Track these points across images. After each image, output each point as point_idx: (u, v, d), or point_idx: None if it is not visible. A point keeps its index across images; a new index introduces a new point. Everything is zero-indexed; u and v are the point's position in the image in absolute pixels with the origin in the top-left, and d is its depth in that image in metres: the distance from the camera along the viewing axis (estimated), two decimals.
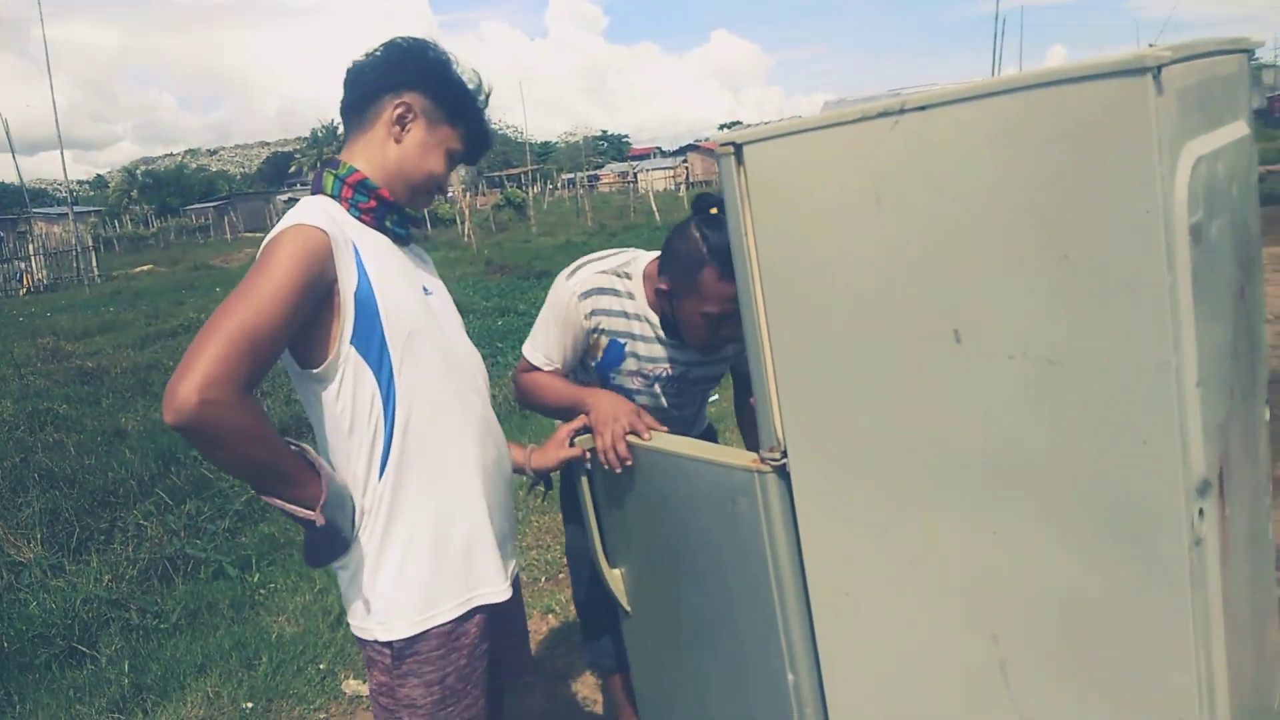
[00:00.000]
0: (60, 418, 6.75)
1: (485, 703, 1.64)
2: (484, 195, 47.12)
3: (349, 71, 1.63)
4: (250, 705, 3.02)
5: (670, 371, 2.10)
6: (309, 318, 1.46)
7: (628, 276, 2.06)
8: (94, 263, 24.15)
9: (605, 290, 2.04)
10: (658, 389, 2.11)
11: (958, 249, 1.18)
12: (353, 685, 3.10)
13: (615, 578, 1.93)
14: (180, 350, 10.86)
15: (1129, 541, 1.13)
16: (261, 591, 3.95)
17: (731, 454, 1.59)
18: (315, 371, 1.50)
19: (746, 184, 1.37)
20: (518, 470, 1.87)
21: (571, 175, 59.54)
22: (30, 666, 3.52)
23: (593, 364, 2.10)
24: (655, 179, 46.83)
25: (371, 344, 1.50)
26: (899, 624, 1.39)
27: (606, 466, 1.81)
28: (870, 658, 1.45)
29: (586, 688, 2.99)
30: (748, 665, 1.65)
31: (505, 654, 1.75)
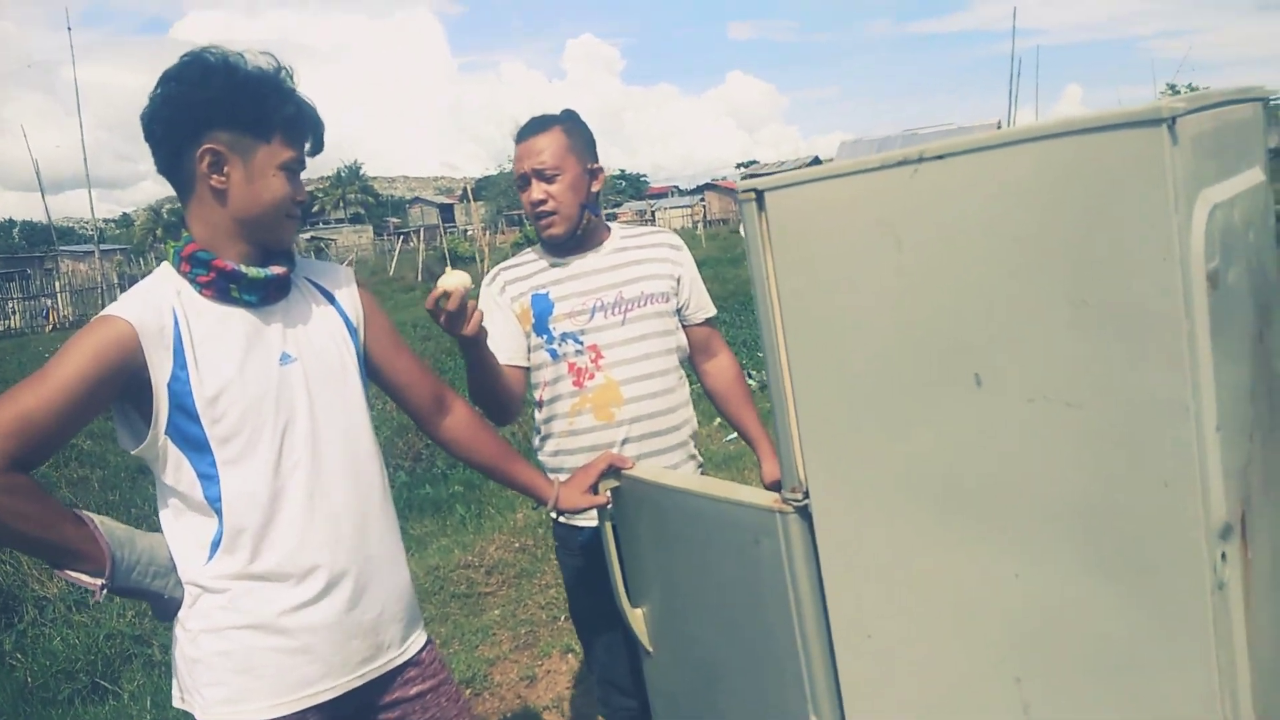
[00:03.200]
0: (84, 454, 6.81)
1: None
2: (503, 233, 47.56)
3: (143, 130, 1.52)
4: None
5: (603, 298, 2.15)
6: (129, 402, 1.48)
7: (525, 251, 2.30)
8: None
9: (508, 266, 2.26)
10: (604, 320, 2.14)
11: (978, 294, 1.20)
12: None
13: (637, 617, 1.93)
14: None
15: (1151, 585, 1.14)
16: None
17: (753, 494, 1.61)
18: (136, 452, 1.51)
19: (768, 229, 1.39)
20: (539, 503, 1.89)
21: None
22: (54, 702, 3.55)
23: (535, 334, 2.16)
24: (673, 217, 47.22)
25: (189, 436, 1.48)
26: (922, 665, 1.39)
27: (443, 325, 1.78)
28: (893, 699, 1.45)
29: None
30: (770, 705, 1.65)
31: None
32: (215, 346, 1.50)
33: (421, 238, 34.00)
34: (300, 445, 1.55)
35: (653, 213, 44.23)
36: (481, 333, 1.84)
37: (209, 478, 1.50)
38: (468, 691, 3.30)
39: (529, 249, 2.31)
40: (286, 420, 1.54)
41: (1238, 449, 1.19)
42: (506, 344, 2.14)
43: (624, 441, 2.14)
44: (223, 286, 1.52)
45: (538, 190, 2.12)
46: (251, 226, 1.54)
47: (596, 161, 2.20)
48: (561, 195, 2.12)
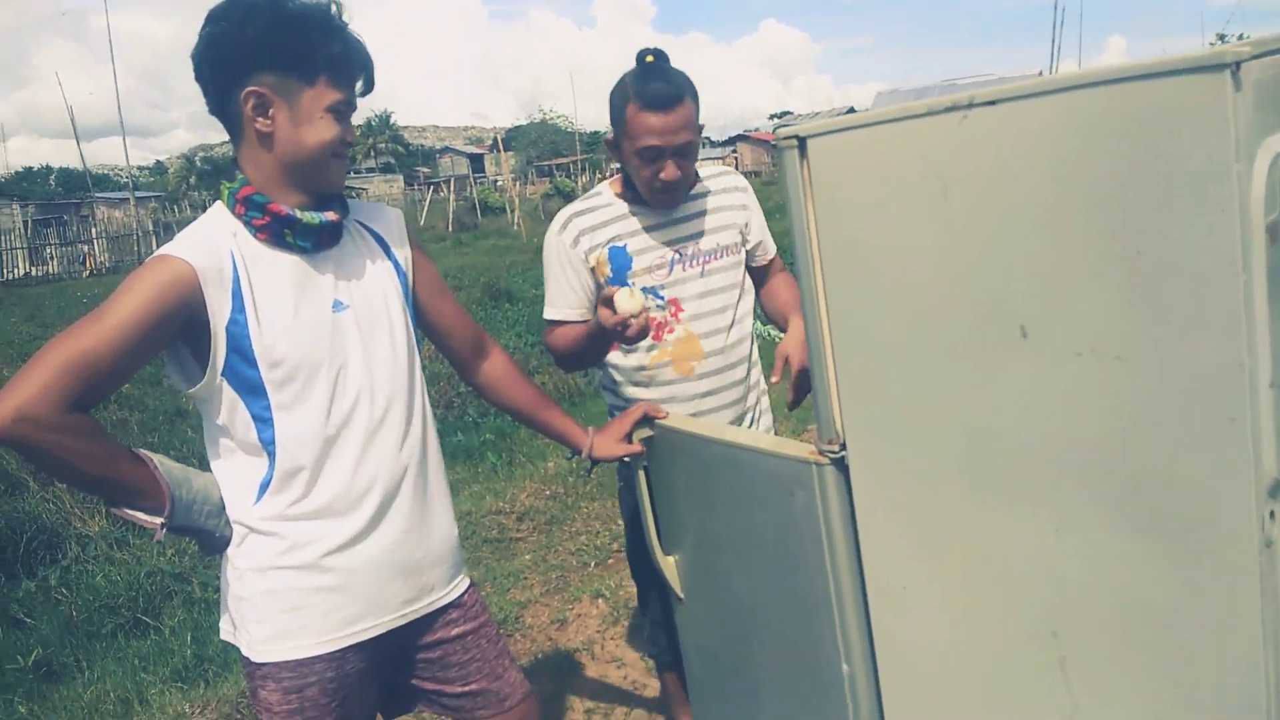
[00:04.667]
0: (123, 396, 6.93)
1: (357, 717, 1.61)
2: (534, 184, 47.36)
3: (193, 70, 1.50)
4: None
5: (681, 250, 2.10)
6: (184, 342, 1.48)
7: (596, 194, 2.16)
8: (154, 246, 24.64)
9: (580, 212, 2.13)
10: (683, 273, 2.11)
11: (1027, 244, 1.17)
12: None
13: (669, 565, 1.95)
14: None
15: (1196, 542, 1.12)
16: None
17: (789, 445, 1.60)
18: (190, 392, 1.51)
19: (810, 177, 1.37)
20: (574, 451, 1.90)
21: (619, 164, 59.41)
22: (98, 635, 3.66)
23: (611, 287, 2.10)
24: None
25: (245, 379, 1.49)
26: (956, 618, 1.39)
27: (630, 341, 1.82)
28: (926, 651, 1.45)
29: (637, 672, 3.02)
30: (802, 655, 1.66)
31: (401, 679, 1.71)
32: (272, 292, 1.50)
33: (451, 187, 33.92)
34: (353, 391, 1.56)
35: None
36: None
37: (264, 420, 1.51)
38: None
39: (602, 188, 2.19)
40: (340, 366, 1.55)
41: None
42: (579, 299, 2.11)
43: (705, 394, 2.12)
44: (277, 231, 1.51)
45: (673, 169, 1.99)
46: (299, 172, 1.52)
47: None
48: (690, 170, 2.05)
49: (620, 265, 2.09)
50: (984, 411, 1.27)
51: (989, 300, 1.23)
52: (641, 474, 1.93)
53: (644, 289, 2.08)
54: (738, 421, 2.19)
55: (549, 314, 2.16)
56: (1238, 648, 1.12)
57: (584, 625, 3.39)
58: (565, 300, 2.11)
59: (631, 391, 2.17)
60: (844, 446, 1.46)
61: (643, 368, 2.13)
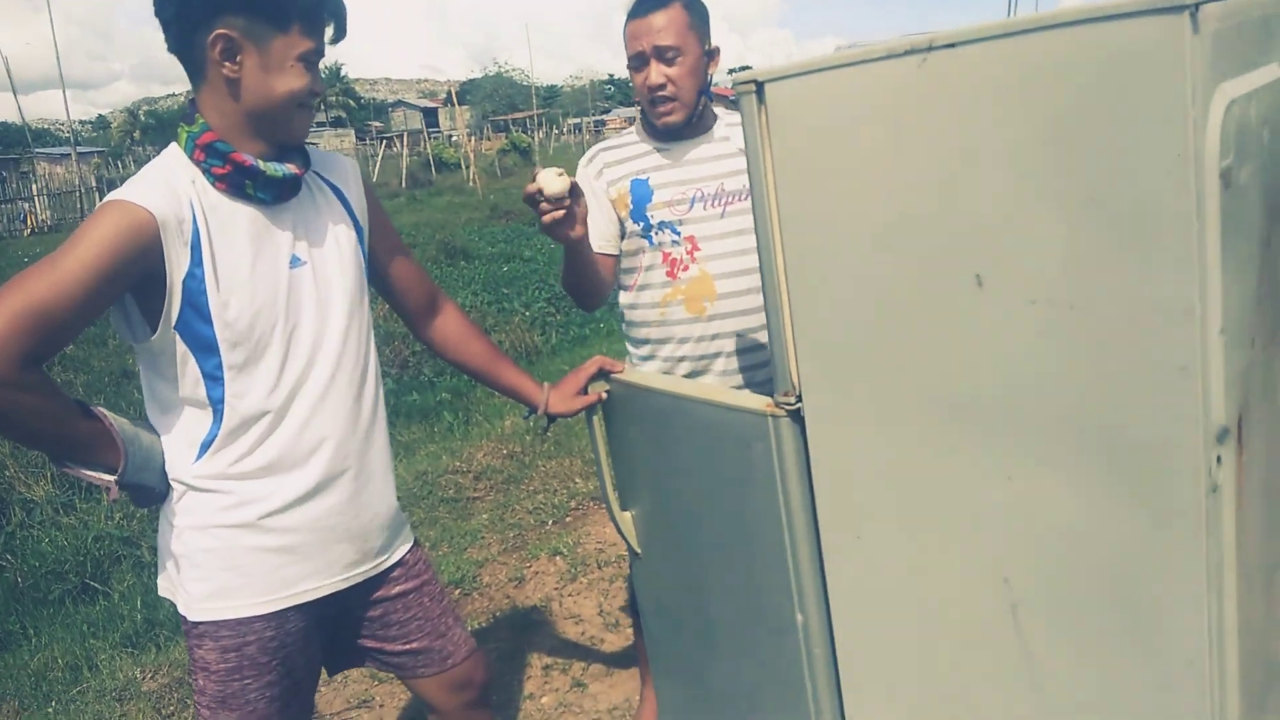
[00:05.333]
0: (66, 358, 6.76)
1: (293, 679, 1.58)
2: (489, 140, 46.71)
3: (153, 5, 1.43)
4: None
5: (703, 189, 2.06)
6: (131, 294, 1.41)
7: (626, 131, 2.17)
8: (98, 202, 23.97)
9: (607, 147, 2.15)
10: (703, 212, 2.07)
11: (983, 191, 1.16)
12: None
13: (626, 520, 1.94)
14: None
15: (1145, 487, 1.14)
16: None
17: (744, 398, 1.59)
18: (138, 346, 1.46)
19: (767, 122, 1.34)
20: (530, 408, 1.87)
21: (578, 120, 58.92)
22: (45, 601, 3.60)
23: (631, 221, 2.08)
24: None
25: (198, 335, 1.43)
26: (910, 566, 1.40)
27: (547, 219, 1.75)
28: (880, 599, 1.46)
29: (594, 627, 3.04)
30: (756, 606, 1.66)
31: (343, 637, 1.69)
32: (229, 246, 1.44)
33: (405, 142, 33.36)
34: (306, 350, 1.52)
35: None
36: (585, 233, 1.81)
37: (214, 378, 1.46)
38: (456, 592, 3.35)
39: (629, 129, 2.17)
40: (294, 324, 1.51)
41: (1239, 354, 1.17)
42: (599, 231, 2.06)
43: (714, 336, 2.09)
44: (238, 182, 1.45)
45: (656, 73, 1.96)
46: (264, 120, 1.46)
47: (712, 41, 2.07)
48: (682, 79, 1.98)
49: (640, 197, 2.06)
50: (939, 360, 1.27)
51: (945, 249, 1.22)
52: (598, 427, 1.91)
53: (661, 223, 2.06)
54: (749, 369, 2.17)
55: None
56: (1183, 590, 1.14)
57: (542, 583, 3.40)
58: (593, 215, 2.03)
59: (643, 332, 2.14)
60: (799, 399, 1.45)
61: (655, 305, 2.10)
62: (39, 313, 1.29)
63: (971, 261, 1.20)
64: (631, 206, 2.06)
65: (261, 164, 1.45)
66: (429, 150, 32.83)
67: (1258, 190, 1.24)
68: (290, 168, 1.50)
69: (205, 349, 1.44)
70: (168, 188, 1.41)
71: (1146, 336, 1.09)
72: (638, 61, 1.98)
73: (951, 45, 1.14)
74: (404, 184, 24.91)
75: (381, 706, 2.75)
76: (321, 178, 1.62)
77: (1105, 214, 1.08)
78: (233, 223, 1.46)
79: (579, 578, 3.37)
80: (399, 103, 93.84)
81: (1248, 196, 1.19)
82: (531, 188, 1.71)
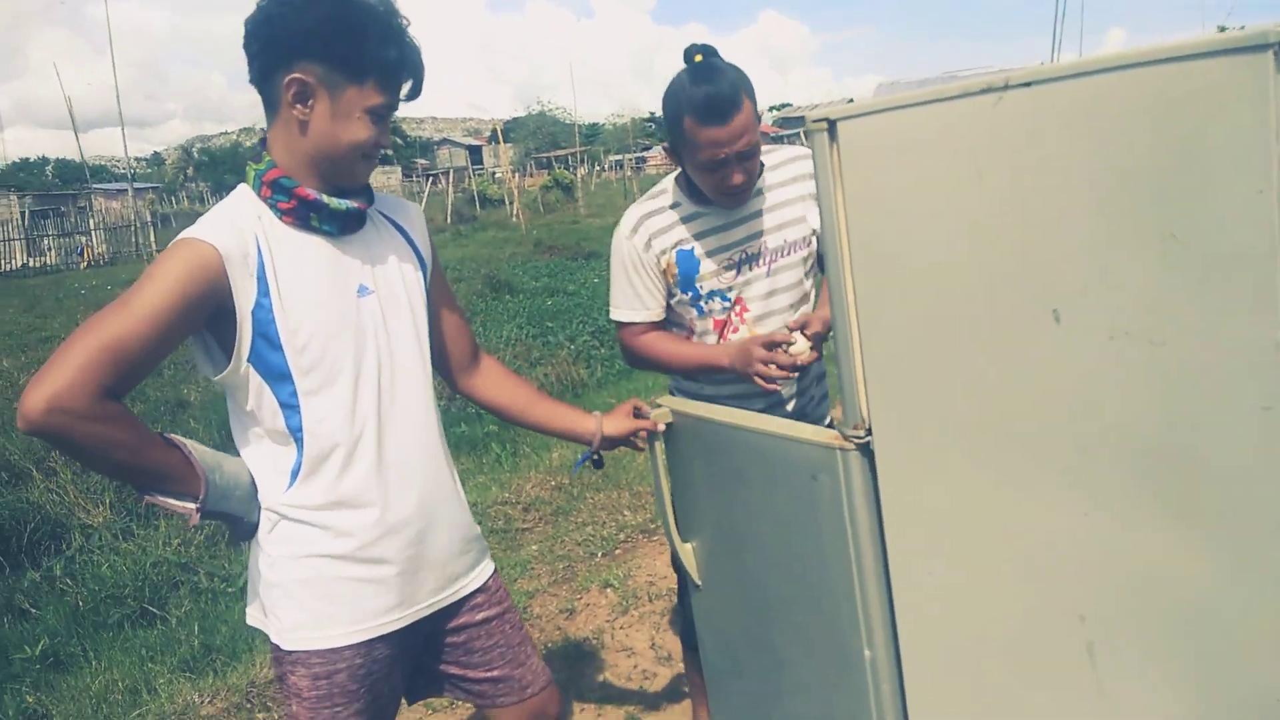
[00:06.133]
0: None
1: (379, 706, 1.61)
2: (532, 176, 47.28)
3: (243, 38, 1.48)
4: None
5: (747, 250, 2.05)
6: (208, 329, 1.47)
7: (663, 192, 2.11)
8: (152, 238, 24.62)
9: (650, 214, 2.07)
10: (750, 273, 2.06)
11: (1060, 227, 1.17)
12: None
13: (687, 551, 1.95)
14: None
15: (1229, 526, 1.13)
16: None
17: (812, 430, 1.60)
18: (217, 379, 1.50)
19: (839, 161, 1.36)
20: (585, 441, 1.88)
21: (619, 157, 59.43)
22: (104, 625, 3.66)
23: (679, 290, 2.07)
24: None
25: (271, 364, 1.48)
26: (982, 602, 1.39)
27: (768, 389, 1.81)
28: (950, 635, 1.45)
29: (647, 660, 3.02)
30: (822, 641, 1.66)
31: (426, 663, 1.72)
32: (297, 275, 1.49)
33: (450, 179, 33.87)
34: (375, 378, 1.56)
35: None
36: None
37: (290, 407, 1.50)
38: None
39: (667, 184, 2.12)
40: (363, 352, 1.54)
41: None
42: (653, 299, 2.07)
43: (762, 394, 2.08)
44: (303, 215, 1.51)
45: (739, 174, 1.91)
46: (326, 164, 1.51)
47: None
48: (756, 166, 1.97)
49: (688, 270, 2.05)
50: (1014, 395, 1.27)
51: (1022, 285, 1.22)
52: (661, 459, 1.92)
53: (710, 292, 2.06)
54: (795, 412, 2.17)
55: (619, 316, 2.11)
56: (1270, 636, 1.12)
57: (593, 615, 3.39)
58: (640, 302, 2.06)
59: (696, 386, 2.17)
60: (869, 432, 1.45)
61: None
62: (114, 348, 1.34)
63: (1049, 297, 1.20)
64: (679, 277, 2.06)
65: (325, 198, 1.50)
66: (473, 187, 33.30)
67: None
68: (354, 203, 1.55)
69: (279, 377, 1.48)
70: (231, 224, 1.46)
71: (1229, 374, 1.09)
72: (716, 165, 1.89)
73: (1028, 84, 1.16)
74: (449, 220, 25.29)
75: None
76: (386, 217, 1.68)
77: (1185, 249, 1.09)
78: (299, 253, 1.50)
79: (630, 610, 3.37)
80: (444, 140, 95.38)
81: None
82: (787, 360, 1.79)
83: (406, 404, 1.60)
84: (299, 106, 1.46)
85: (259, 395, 1.50)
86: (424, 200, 31.78)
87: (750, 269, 2.06)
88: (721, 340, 2.09)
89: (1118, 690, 1.28)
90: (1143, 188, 1.10)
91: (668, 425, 1.89)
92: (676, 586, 2.52)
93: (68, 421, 1.31)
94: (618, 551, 3.90)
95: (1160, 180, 1.09)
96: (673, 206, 2.08)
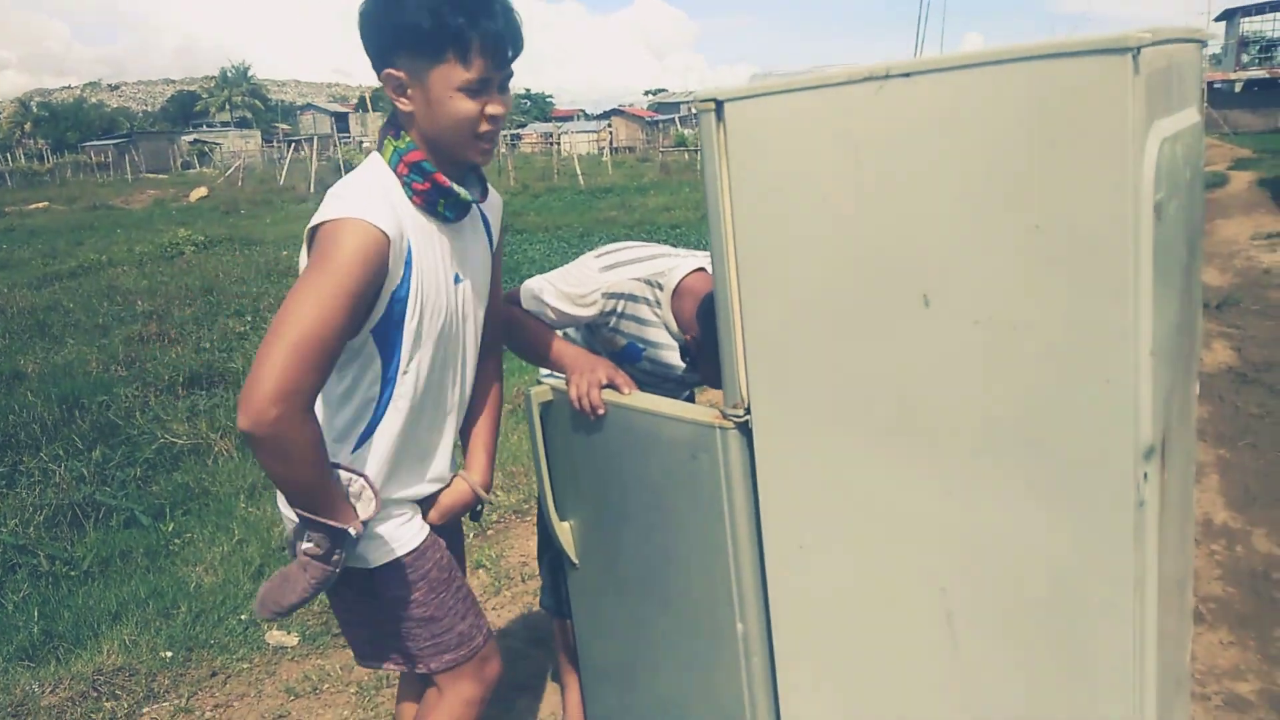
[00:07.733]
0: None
1: (462, 580, 1.76)
2: None
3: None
4: (170, 654, 2.95)
5: (685, 379, 2.09)
6: None
7: (660, 287, 1.96)
8: None
9: (635, 298, 1.95)
10: (671, 383, 2.08)
11: (933, 215, 1.22)
12: (276, 636, 3.05)
13: (565, 530, 1.94)
14: (82, 292, 10.23)
15: (1078, 501, 1.20)
16: (176, 541, 3.85)
17: (692, 409, 1.62)
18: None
19: (725, 141, 1.38)
20: (474, 502, 1.83)
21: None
22: None
23: (604, 352, 2.02)
24: (579, 142, 46.36)
25: (389, 338, 1.53)
26: (850, 575, 1.44)
27: (579, 409, 1.77)
28: (820, 608, 1.50)
29: (519, 641, 3.01)
30: (697, 615, 1.69)
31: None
32: (427, 261, 1.53)
33: (314, 147, 32.56)
34: (459, 360, 1.66)
35: (559, 136, 43.21)
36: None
37: (389, 380, 1.55)
38: None
39: (656, 311, 1.97)
40: (454, 336, 1.63)
41: (1165, 376, 1.25)
42: (565, 320, 1.96)
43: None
44: (433, 199, 1.54)
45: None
46: (444, 146, 1.52)
47: None
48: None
49: (629, 356, 2.01)
50: (885, 376, 1.31)
51: (895, 269, 1.26)
52: (540, 439, 1.91)
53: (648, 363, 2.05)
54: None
55: (530, 304, 1.94)
56: (1111, 599, 1.20)
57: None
58: (553, 317, 1.93)
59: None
60: (748, 411, 1.48)
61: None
62: (316, 343, 1.33)
63: (920, 281, 1.25)
64: (617, 352, 2.01)
65: (457, 187, 1.55)
66: (340, 155, 32.15)
67: (1181, 224, 1.33)
68: (475, 195, 1.61)
69: (390, 353, 1.54)
70: (391, 209, 1.47)
71: (1084, 357, 1.15)
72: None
73: (907, 74, 1.19)
74: (312, 188, 24.32)
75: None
76: (476, 205, 1.69)
77: (1049, 240, 1.14)
78: (427, 239, 1.54)
79: (502, 591, 3.34)
80: (308, 106, 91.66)
81: (1174, 229, 1.28)
82: (599, 401, 1.76)
83: (463, 389, 1.71)
84: (401, 99, 1.50)
85: (368, 364, 1.54)
86: (285, 167, 30.51)
87: (673, 385, 2.09)
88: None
89: (975, 658, 1.35)
90: (1010, 179, 1.15)
91: (547, 404, 1.87)
92: (538, 566, 2.49)
93: (291, 426, 1.31)
94: (490, 532, 3.86)
95: (1027, 172, 1.14)
96: (658, 309, 1.98)
